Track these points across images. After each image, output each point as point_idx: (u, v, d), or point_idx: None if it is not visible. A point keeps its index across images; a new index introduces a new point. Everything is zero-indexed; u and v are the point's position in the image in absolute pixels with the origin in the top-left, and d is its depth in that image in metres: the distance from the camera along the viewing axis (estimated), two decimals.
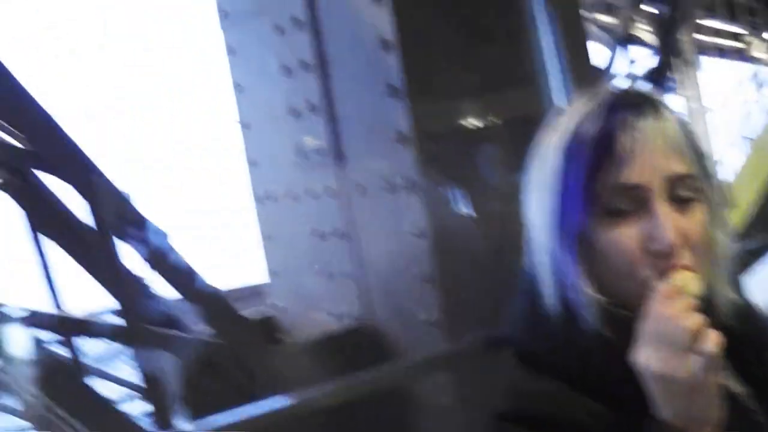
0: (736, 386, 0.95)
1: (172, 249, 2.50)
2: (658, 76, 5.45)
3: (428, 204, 2.21)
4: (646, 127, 0.89)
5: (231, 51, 2.96)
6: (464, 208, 2.23)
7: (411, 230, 2.22)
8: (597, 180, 0.88)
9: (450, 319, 2.18)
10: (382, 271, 2.40)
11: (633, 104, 0.91)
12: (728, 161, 10.57)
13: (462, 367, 2.04)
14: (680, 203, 0.89)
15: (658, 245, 0.87)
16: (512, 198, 1.02)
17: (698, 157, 0.93)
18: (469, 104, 2.30)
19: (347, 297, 2.50)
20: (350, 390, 1.79)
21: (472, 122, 2.33)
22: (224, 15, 2.96)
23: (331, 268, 2.56)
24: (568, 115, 0.94)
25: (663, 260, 0.87)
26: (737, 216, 9.46)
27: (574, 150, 0.90)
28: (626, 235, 0.88)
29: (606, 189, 0.88)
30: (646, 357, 0.82)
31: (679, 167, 0.89)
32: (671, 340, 0.81)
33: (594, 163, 0.88)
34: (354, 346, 2.38)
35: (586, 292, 0.90)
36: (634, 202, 0.88)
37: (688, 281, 0.85)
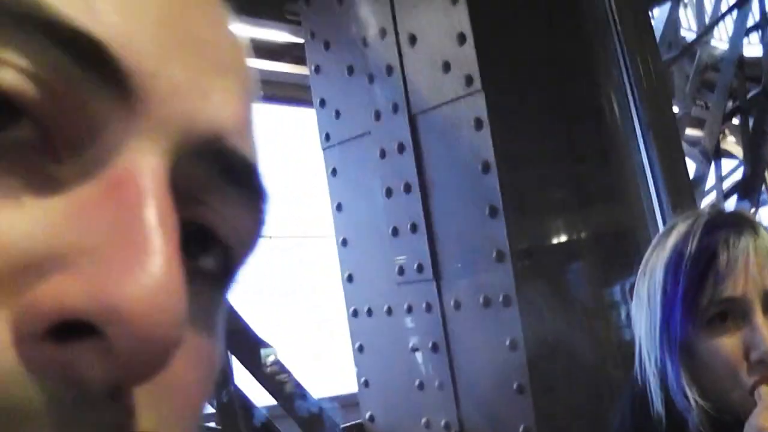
0: None
1: (278, 362, 2.60)
2: (749, 190, 5.42)
3: (522, 318, 2.27)
4: (745, 244, 0.99)
5: (332, 172, 3.12)
6: (560, 324, 2.29)
7: (505, 343, 2.28)
8: (699, 294, 0.98)
9: (543, 430, 2.21)
10: (476, 383, 2.46)
11: (731, 223, 1.02)
12: None
13: None
14: None
15: (759, 354, 0.94)
16: (604, 312, 1.09)
17: None
18: (563, 221, 2.38)
19: (439, 407, 2.55)
20: None
21: (565, 238, 2.41)
22: (326, 137, 3.13)
23: (423, 379, 2.62)
24: (670, 235, 1.02)
25: (764, 368, 0.93)
26: None
27: (677, 267, 1.00)
28: (728, 345, 0.96)
29: (708, 302, 0.97)
30: None
31: None
32: None
33: (696, 279, 0.98)
34: None
35: (690, 397, 0.96)
36: (735, 314, 0.97)
37: None
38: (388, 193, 2.77)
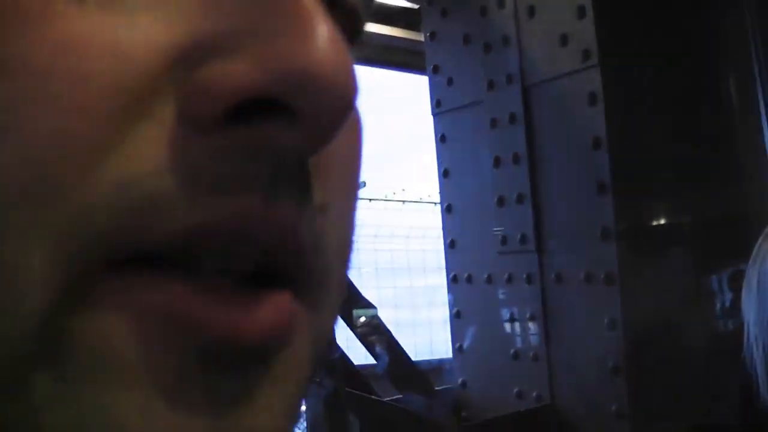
0: None
1: (379, 322, 2.66)
2: None
3: (623, 298, 2.26)
4: None
5: (441, 138, 3.14)
6: (659, 305, 2.27)
7: (604, 321, 2.28)
8: None
9: (637, 412, 2.20)
10: (571, 358, 2.47)
11: None
12: None
13: None
14: None
15: None
16: (708, 298, 1.10)
17: None
18: (673, 203, 2.35)
19: (533, 379, 2.57)
20: None
21: (674, 220, 2.38)
22: (437, 104, 3.16)
23: (518, 350, 2.64)
24: None
25: None
26: None
27: None
28: None
29: None
30: None
31: None
32: None
33: None
34: (537, 428, 2.44)
35: None
36: None
37: None
38: (496, 162, 2.78)
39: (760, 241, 1.05)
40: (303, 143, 0.24)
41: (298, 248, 0.25)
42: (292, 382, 0.27)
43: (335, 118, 0.24)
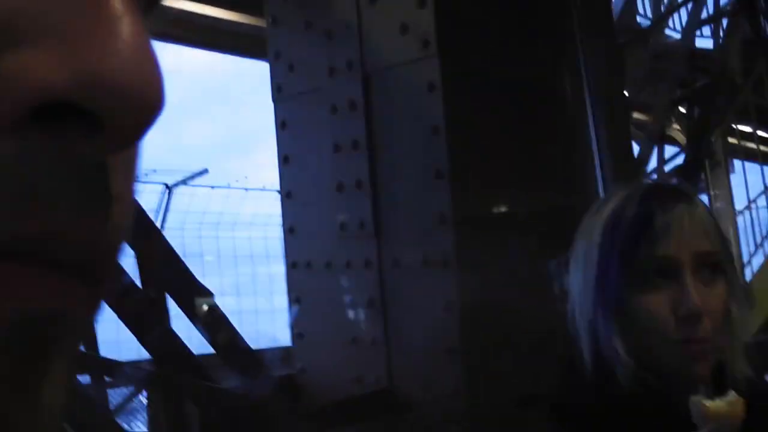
0: None
1: (216, 310, 2.61)
2: (688, 176, 5.55)
3: (459, 282, 2.33)
4: (680, 210, 1.04)
5: (282, 125, 3.12)
6: (494, 289, 2.34)
7: (440, 305, 2.34)
8: (634, 252, 1.03)
9: (473, 390, 2.27)
10: (408, 342, 2.51)
11: (668, 191, 1.09)
12: (754, 262, 10.60)
13: (490, 425, 2.12)
14: (705, 277, 1.04)
15: (686, 310, 1.01)
16: (541, 283, 1.14)
17: (722, 239, 1.09)
18: (508, 191, 2.43)
19: (370, 363, 2.59)
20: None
21: (508, 208, 2.46)
22: (278, 89, 3.12)
23: (357, 335, 2.66)
24: (610, 201, 1.10)
25: (689, 325, 1.00)
26: (762, 314, 9.44)
27: (615, 227, 1.06)
28: (658, 302, 1.02)
29: (642, 260, 1.03)
30: None
31: (706, 246, 1.05)
32: None
33: (634, 237, 1.03)
34: (375, 411, 2.47)
35: (620, 354, 1.02)
36: (666, 274, 1.03)
37: (727, 408, 0.89)
38: (336, 149, 2.78)
39: (585, 218, 1.11)
40: (105, 151, 0.24)
41: (98, 252, 0.26)
42: (67, 353, 0.27)
43: (139, 127, 0.24)
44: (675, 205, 1.04)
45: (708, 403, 0.85)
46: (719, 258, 1.06)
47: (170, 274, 2.59)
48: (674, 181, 5.28)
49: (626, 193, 1.09)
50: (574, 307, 1.09)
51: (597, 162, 2.10)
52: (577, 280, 1.09)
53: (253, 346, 3.21)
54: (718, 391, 0.97)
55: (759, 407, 1.07)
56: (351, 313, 2.70)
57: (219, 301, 3.05)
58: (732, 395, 0.88)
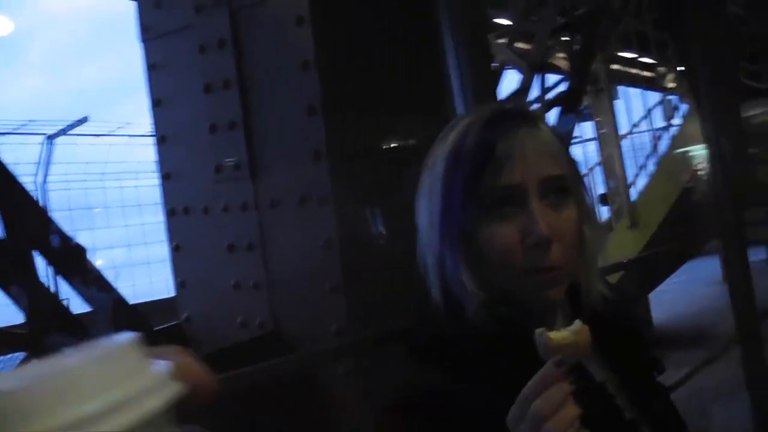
0: (602, 374, 1.05)
1: (87, 261, 2.51)
2: (572, 103, 5.63)
3: (337, 218, 2.29)
4: (523, 134, 1.00)
5: (151, 66, 2.98)
6: (373, 223, 2.31)
7: (320, 243, 2.29)
8: (478, 182, 0.99)
9: (357, 328, 2.25)
10: (290, 282, 2.47)
11: (511, 116, 1.04)
12: (639, 183, 11.01)
13: (360, 360, 2.12)
14: (553, 202, 1.01)
15: (534, 238, 0.97)
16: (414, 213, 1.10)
17: (569, 161, 1.06)
18: (383, 125, 2.39)
19: (254, 307, 2.55)
20: (251, 377, 1.84)
21: (384, 142, 2.42)
22: (145, 30, 2.98)
23: (239, 279, 2.60)
24: (453, 129, 1.05)
25: (538, 252, 0.97)
26: (646, 232, 9.89)
27: (458, 157, 1.01)
28: (505, 232, 0.99)
29: (486, 190, 0.99)
30: (514, 421, 0.83)
31: (551, 170, 1.01)
32: (538, 420, 0.81)
33: (476, 168, 0.99)
34: (262, 355, 2.43)
35: (469, 287, 0.99)
36: (512, 202, 0.99)
37: (572, 338, 0.84)
38: (207, 89, 2.68)
39: (431, 149, 1.06)
40: None
41: None
42: None
43: None
44: (517, 130, 1.00)
45: (552, 334, 0.83)
46: (566, 181, 1.02)
47: (37, 228, 2.46)
48: (559, 118, 5.36)
49: (468, 121, 1.04)
50: (423, 241, 1.05)
51: (458, 90, 2.06)
52: (424, 213, 1.05)
53: (147, 298, 3.12)
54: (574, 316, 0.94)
55: (614, 329, 1.08)
56: (231, 258, 2.63)
57: (110, 253, 2.93)
58: (577, 324, 0.85)
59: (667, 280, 9.75)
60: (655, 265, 8.35)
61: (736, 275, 3.73)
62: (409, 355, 1.03)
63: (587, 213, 1.06)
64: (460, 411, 0.93)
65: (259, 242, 2.52)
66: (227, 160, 2.62)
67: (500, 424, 0.84)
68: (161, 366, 0.45)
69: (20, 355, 3.01)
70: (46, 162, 8.56)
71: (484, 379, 0.94)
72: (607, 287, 1.10)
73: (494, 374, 0.93)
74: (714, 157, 3.85)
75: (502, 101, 3.20)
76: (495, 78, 2.46)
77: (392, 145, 2.50)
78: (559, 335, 0.82)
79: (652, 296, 9.11)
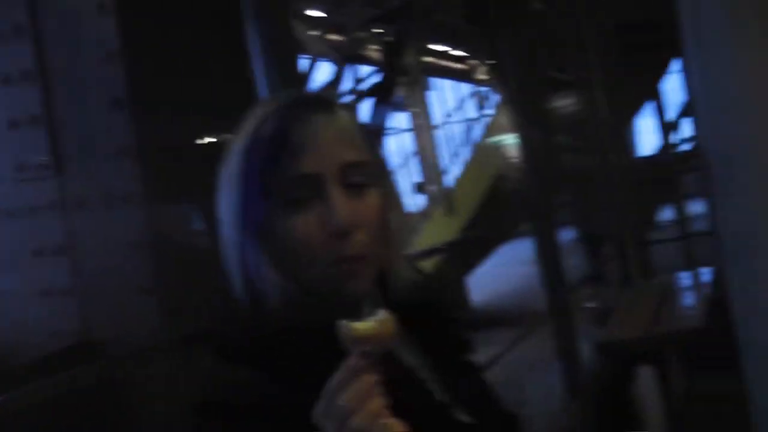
0: (413, 359, 1.04)
1: None
2: (385, 94, 5.72)
3: (147, 217, 2.20)
4: (319, 121, 0.97)
5: None
6: (184, 221, 2.25)
7: (129, 242, 2.20)
8: (275, 173, 0.95)
9: (169, 330, 2.18)
10: (100, 285, 2.35)
11: (308, 103, 1.01)
12: (452, 171, 11.38)
13: (168, 362, 2.06)
14: (354, 189, 0.98)
15: (333, 227, 0.94)
16: None
17: (370, 146, 1.03)
18: (194, 117, 2.33)
19: (63, 313, 2.41)
20: (58, 386, 1.75)
21: (193, 136, 2.36)
22: None
23: (48, 286, 2.45)
24: (252, 118, 1.00)
25: (339, 242, 0.95)
26: (461, 217, 10.26)
27: (253, 146, 0.97)
28: (305, 222, 0.95)
29: (284, 180, 0.95)
30: (320, 416, 0.82)
31: (351, 156, 0.98)
32: (343, 415, 0.80)
33: (271, 157, 0.96)
34: (71, 364, 2.30)
35: (271, 281, 0.96)
36: (311, 191, 0.96)
37: (376, 328, 0.82)
38: (5, 81, 2.50)
39: (232, 138, 1.03)
40: None
41: None
42: None
43: None
44: (314, 117, 0.97)
45: (355, 325, 0.81)
46: (368, 168, 1.00)
47: None
48: (372, 109, 5.42)
49: (264, 110, 1.00)
50: (224, 235, 1.01)
51: (266, 82, 2.04)
52: (224, 205, 1.01)
53: None
54: (381, 306, 0.91)
55: (425, 315, 1.08)
56: (38, 263, 2.47)
57: None
58: (382, 314, 0.84)
59: (484, 262, 10.15)
60: (471, 249, 8.67)
61: (547, 255, 3.92)
62: (215, 354, 1.00)
63: (392, 200, 1.05)
64: (267, 408, 0.90)
65: (66, 245, 2.39)
66: (30, 157, 2.46)
67: (308, 420, 0.82)
68: None
69: None
70: None
71: (290, 375, 0.91)
72: (417, 273, 1.10)
73: (300, 369, 0.91)
74: (524, 146, 4.03)
75: (300, 88, 3.19)
76: (303, 69, 2.44)
77: (203, 141, 2.44)
78: (362, 326, 0.81)
79: (470, 279, 9.45)
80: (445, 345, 1.11)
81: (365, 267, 0.98)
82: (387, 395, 0.83)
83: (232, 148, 1.02)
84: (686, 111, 12.27)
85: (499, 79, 9.68)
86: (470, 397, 1.07)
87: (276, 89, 1.89)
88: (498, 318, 7.69)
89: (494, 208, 10.07)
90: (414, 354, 1.06)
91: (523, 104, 4.01)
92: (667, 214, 10.67)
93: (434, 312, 1.14)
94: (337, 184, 0.96)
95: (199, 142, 2.37)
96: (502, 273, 12.94)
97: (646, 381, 3.65)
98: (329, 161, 0.96)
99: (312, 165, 0.96)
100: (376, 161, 1.03)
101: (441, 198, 10.42)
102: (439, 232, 9.08)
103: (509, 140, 10.83)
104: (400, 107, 11.09)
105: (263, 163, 0.96)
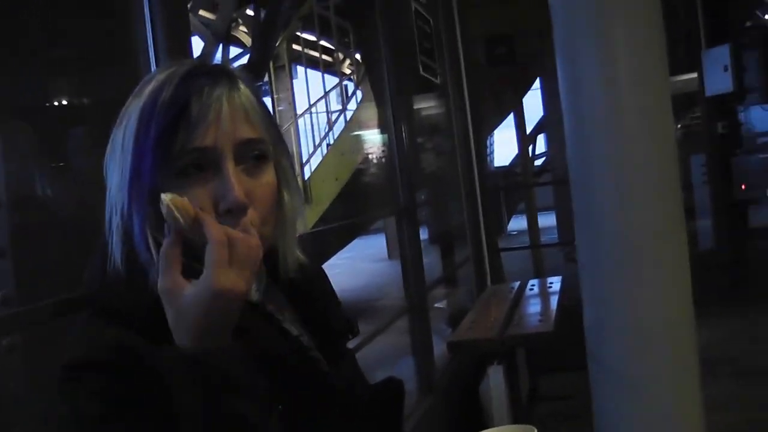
0: (297, 330, 1.06)
1: None
2: (254, 74, 5.62)
3: (3, 175, 2.06)
4: (219, 94, 0.95)
5: None
6: (46, 183, 2.13)
7: None
8: (170, 143, 0.93)
9: (27, 297, 2.05)
10: None
11: (209, 73, 0.98)
12: (312, 162, 11.36)
13: (36, 329, 1.94)
14: (250, 166, 0.98)
15: (227, 203, 0.93)
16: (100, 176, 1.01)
17: (268, 124, 1.02)
18: (70, 79, 2.20)
19: None
20: None
21: (62, 98, 2.23)
22: None
23: None
24: (150, 82, 0.97)
25: (232, 217, 0.93)
26: (318, 208, 10.29)
27: (149, 114, 0.94)
28: (198, 196, 0.93)
29: (179, 151, 0.93)
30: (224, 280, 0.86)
31: (248, 132, 0.97)
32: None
33: (166, 127, 0.93)
34: None
35: (153, 251, 0.92)
36: (206, 165, 0.95)
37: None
38: None
39: (127, 102, 0.98)
40: None
41: None
42: None
43: None
44: (214, 90, 0.95)
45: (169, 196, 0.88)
46: (265, 145, 0.99)
47: None
48: (221, 63, 5.30)
49: (164, 76, 0.97)
50: (111, 202, 0.97)
51: (151, 44, 1.94)
52: (114, 172, 0.97)
53: None
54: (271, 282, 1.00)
55: (310, 293, 1.12)
56: None
57: None
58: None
59: (336, 255, 10.20)
60: (326, 240, 8.68)
61: (408, 251, 3.95)
62: (87, 324, 0.95)
63: (287, 179, 1.05)
64: (144, 370, 0.88)
65: None
66: None
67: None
68: None
69: None
70: None
71: (167, 340, 0.89)
72: (303, 253, 1.11)
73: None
74: (391, 142, 4.04)
75: (202, 57, 3.08)
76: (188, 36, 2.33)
77: (72, 101, 2.31)
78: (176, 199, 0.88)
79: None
80: (329, 324, 1.13)
81: None
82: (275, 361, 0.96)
83: (128, 112, 0.97)
84: (543, 127, 12.83)
85: (365, 75, 9.74)
86: (347, 375, 1.11)
87: (161, 56, 1.80)
88: (351, 311, 7.73)
89: (351, 201, 10.13)
90: (298, 326, 1.07)
91: (394, 101, 4.02)
92: (519, 223, 11.10)
93: (320, 292, 1.16)
94: (231, 160, 0.94)
95: (68, 101, 2.24)
96: (354, 267, 13.05)
97: (495, 379, 3.74)
98: (225, 137, 0.94)
99: (209, 138, 0.93)
100: (273, 139, 1.02)
101: (299, 187, 10.38)
102: (307, 227, 9.02)
103: (370, 136, 10.93)
104: (265, 93, 10.96)
105: (159, 131, 0.93)
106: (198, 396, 0.84)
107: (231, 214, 0.92)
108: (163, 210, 0.88)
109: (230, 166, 0.93)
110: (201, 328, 0.85)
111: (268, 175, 0.99)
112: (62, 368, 0.90)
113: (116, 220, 0.95)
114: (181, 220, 0.87)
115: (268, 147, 1.00)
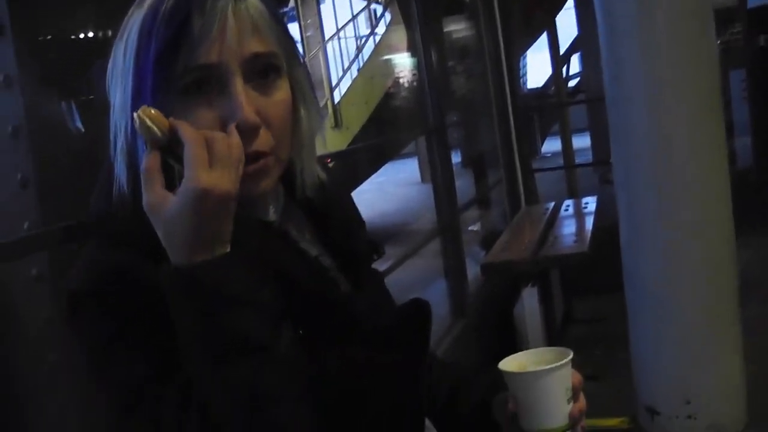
0: (315, 250, 1.01)
1: None
2: (276, 3, 5.50)
3: (26, 102, 2.01)
4: (222, 7, 0.87)
5: None
6: (69, 110, 2.09)
7: (7, 130, 2.01)
8: (173, 59, 0.86)
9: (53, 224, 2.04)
10: None
11: None
12: (342, 86, 11.26)
13: (53, 263, 1.93)
14: (261, 83, 0.90)
15: (238, 124, 0.86)
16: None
17: (280, 35, 0.93)
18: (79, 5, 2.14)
19: None
20: None
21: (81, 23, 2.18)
22: None
23: None
24: None
25: (243, 140, 0.86)
26: (349, 132, 10.28)
27: (150, 29, 0.87)
28: (205, 116, 0.87)
29: (182, 69, 0.86)
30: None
31: (257, 46, 0.89)
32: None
33: (169, 43, 0.85)
34: None
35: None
36: (213, 83, 0.87)
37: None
38: None
39: (128, 15, 0.90)
40: None
41: None
42: None
43: None
44: (217, 2, 0.86)
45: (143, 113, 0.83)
46: (277, 59, 0.91)
47: None
48: None
49: None
50: (114, 123, 0.91)
51: None
52: (117, 90, 0.90)
53: None
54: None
55: (331, 213, 1.06)
56: None
57: None
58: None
59: (368, 180, 10.17)
60: (356, 163, 8.64)
61: (440, 174, 3.90)
62: (94, 249, 0.91)
63: (303, 93, 0.97)
64: (143, 300, 0.84)
65: None
66: None
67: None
68: None
69: None
70: None
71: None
72: (325, 172, 1.05)
73: None
74: (420, 64, 3.94)
75: None
76: None
77: (89, 28, 2.25)
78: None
79: (354, 195, 9.46)
80: (353, 245, 1.07)
81: (269, 166, 0.91)
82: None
83: (129, 25, 0.90)
84: (576, 47, 12.53)
85: None
86: (371, 296, 1.05)
87: None
88: (383, 235, 7.73)
89: (382, 125, 10.05)
90: (317, 247, 1.02)
91: (423, 24, 3.91)
92: (554, 144, 10.96)
93: (342, 212, 1.10)
94: (241, 77, 0.87)
95: (83, 32, 2.18)
96: (386, 191, 13.03)
97: (529, 301, 3.71)
98: (232, 53, 0.87)
99: (213, 55, 0.86)
100: (287, 53, 0.94)
101: (329, 111, 10.30)
102: (325, 146, 9.00)
103: (399, 59, 10.77)
104: (292, 18, 10.81)
105: (160, 45, 0.85)
106: (192, 312, 0.80)
107: (241, 135, 0.85)
108: (137, 125, 0.82)
109: (238, 84, 0.86)
110: (191, 237, 0.80)
111: (282, 92, 0.92)
112: (66, 296, 0.87)
113: (121, 141, 0.90)
114: (156, 129, 0.82)
115: (281, 61, 0.92)
